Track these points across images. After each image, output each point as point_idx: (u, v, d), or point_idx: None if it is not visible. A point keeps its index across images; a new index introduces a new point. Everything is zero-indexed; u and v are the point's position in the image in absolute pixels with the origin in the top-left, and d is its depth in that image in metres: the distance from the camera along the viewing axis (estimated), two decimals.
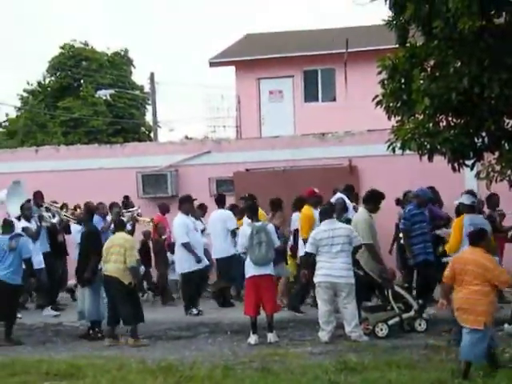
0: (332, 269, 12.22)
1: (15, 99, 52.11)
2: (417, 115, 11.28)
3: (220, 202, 16.32)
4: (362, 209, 13.55)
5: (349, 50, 24.42)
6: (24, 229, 15.43)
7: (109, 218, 15.95)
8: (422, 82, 10.87)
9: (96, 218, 15.61)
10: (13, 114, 53.71)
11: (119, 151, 21.29)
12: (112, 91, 43.32)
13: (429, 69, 11.19)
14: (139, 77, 52.29)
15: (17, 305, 14.09)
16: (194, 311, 15.03)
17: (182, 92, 76.26)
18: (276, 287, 13.80)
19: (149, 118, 47.37)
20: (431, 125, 11.19)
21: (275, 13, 76.61)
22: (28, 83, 51.57)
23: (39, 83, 51.17)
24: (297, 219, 15.33)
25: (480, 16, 9.80)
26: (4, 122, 56.62)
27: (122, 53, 52.37)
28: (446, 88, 10.53)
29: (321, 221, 12.91)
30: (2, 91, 75.65)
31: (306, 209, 14.84)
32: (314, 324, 12.94)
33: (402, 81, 11.33)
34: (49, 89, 50.40)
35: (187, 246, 15.25)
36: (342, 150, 19.63)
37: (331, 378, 9.50)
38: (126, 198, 18.26)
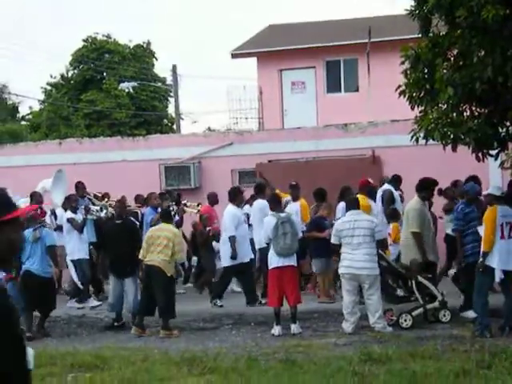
0: (353, 260, 12.20)
1: (38, 92, 52.46)
2: (440, 105, 11.24)
3: (259, 191, 15.86)
4: (415, 197, 13.32)
5: (371, 40, 24.30)
6: (69, 220, 15.52)
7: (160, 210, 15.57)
8: (445, 71, 10.84)
9: (148, 210, 15.41)
10: (36, 107, 54.13)
11: (142, 143, 21.34)
12: (135, 84, 43.41)
13: (452, 58, 11.15)
14: (161, 69, 52.29)
15: (53, 297, 13.87)
16: (219, 302, 15.01)
17: (204, 84, 76.48)
18: (299, 279, 13.76)
19: (171, 110, 47.51)
20: (455, 114, 11.14)
21: (298, 3, 76.53)
22: (51, 76, 51.85)
23: (62, 76, 51.39)
24: (341, 209, 15.14)
25: (504, 5, 9.73)
26: (27, 115, 57.06)
27: (145, 45, 52.47)
28: (470, 77, 10.47)
29: (346, 211, 12.92)
30: (25, 84, 76.05)
31: (362, 198, 14.25)
32: (337, 315, 12.94)
33: (425, 70, 11.29)
34: (72, 82, 50.60)
35: (231, 240, 14.79)
36: (364, 140, 19.56)
37: (355, 369, 9.48)
38: (178, 194, 17.77)
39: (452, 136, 11.10)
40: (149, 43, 52.58)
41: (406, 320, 12.43)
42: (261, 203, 15.35)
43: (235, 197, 15.33)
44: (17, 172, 20.73)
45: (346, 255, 12.33)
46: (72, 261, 15.62)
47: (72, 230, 15.56)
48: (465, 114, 11.28)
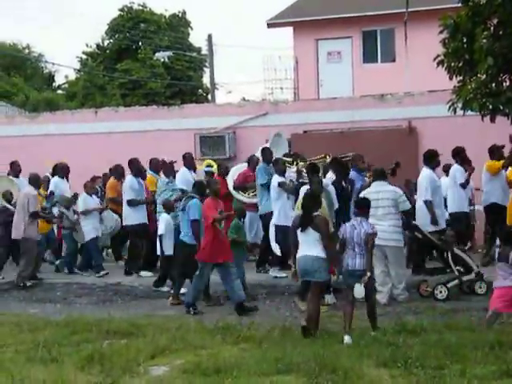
0: (380, 231, 11.89)
1: (74, 61, 52.72)
2: (479, 75, 11.08)
3: (427, 159, 14.16)
4: None
5: (409, 10, 24.01)
6: (280, 184, 14.71)
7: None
8: (484, 40, 10.67)
9: (354, 175, 14.58)
10: (72, 77, 54.50)
11: (177, 113, 21.36)
12: (170, 53, 43.36)
13: (492, 27, 10.96)
14: (197, 39, 52.31)
15: (192, 264, 12.98)
16: None
17: (239, 54, 76.19)
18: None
19: (206, 80, 47.51)
20: (494, 85, 11.00)
21: None
22: (87, 45, 52.05)
23: (98, 45, 51.53)
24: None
25: None
26: (63, 84, 57.41)
27: (180, 15, 52.40)
28: (510, 47, 10.32)
29: (373, 182, 12.82)
30: (61, 54, 76.34)
31: None
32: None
33: (464, 40, 11.14)
34: (107, 51, 50.76)
35: (428, 205, 13.53)
36: (401, 111, 19.42)
37: (390, 339, 9.46)
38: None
39: (491, 106, 10.97)
40: (184, 12, 52.57)
41: (441, 292, 12.37)
42: (424, 171, 14.10)
43: (431, 160, 14.13)
44: (52, 140, 20.91)
45: None
46: (277, 226, 14.69)
47: (281, 195, 14.67)
48: (504, 84, 11.13)
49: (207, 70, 42.94)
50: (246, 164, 16.73)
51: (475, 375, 7.98)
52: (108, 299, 13.88)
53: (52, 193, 16.75)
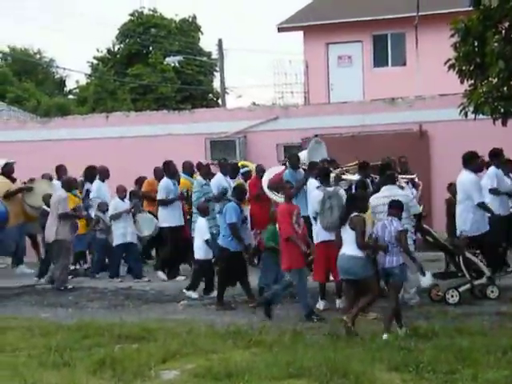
0: None
1: (85, 66, 52.84)
2: (490, 78, 11.08)
3: (468, 161, 13.38)
4: None
5: (420, 14, 24.00)
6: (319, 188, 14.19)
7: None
8: (496, 44, 10.67)
9: None
10: (83, 82, 54.58)
11: (188, 117, 21.38)
12: (180, 58, 43.42)
13: (503, 31, 10.96)
14: (207, 43, 52.38)
15: (228, 270, 13.10)
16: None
17: (250, 58, 76.28)
18: None
19: (216, 84, 47.51)
20: (505, 88, 10.99)
21: None
22: (98, 50, 52.16)
23: (109, 50, 51.65)
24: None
25: None
26: (74, 89, 57.56)
27: (190, 19, 52.47)
28: None
29: (382, 186, 12.80)
30: (72, 59, 76.47)
31: None
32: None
33: (476, 43, 11.14)
34: (118, 56, 50.86)
35: (483, 206, 13.17)
36: (412, 115, 19.40)
37: (401, 344, 9.44)
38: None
39: (502, 110, 10.97)
40: (194, 17, 52.61)
41: (452, 296, 12.33)
42: (466, 175, 13.46)
43: (471, 161, 13.39)
44: (64, 145, 20.96)
45: None
46: None
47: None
48: None
49: (217, 75, 42.95)
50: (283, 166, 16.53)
51: (487, 380, 7.96)
52: (119, 303, 13.86)
53: (88, 192, 16.82)
